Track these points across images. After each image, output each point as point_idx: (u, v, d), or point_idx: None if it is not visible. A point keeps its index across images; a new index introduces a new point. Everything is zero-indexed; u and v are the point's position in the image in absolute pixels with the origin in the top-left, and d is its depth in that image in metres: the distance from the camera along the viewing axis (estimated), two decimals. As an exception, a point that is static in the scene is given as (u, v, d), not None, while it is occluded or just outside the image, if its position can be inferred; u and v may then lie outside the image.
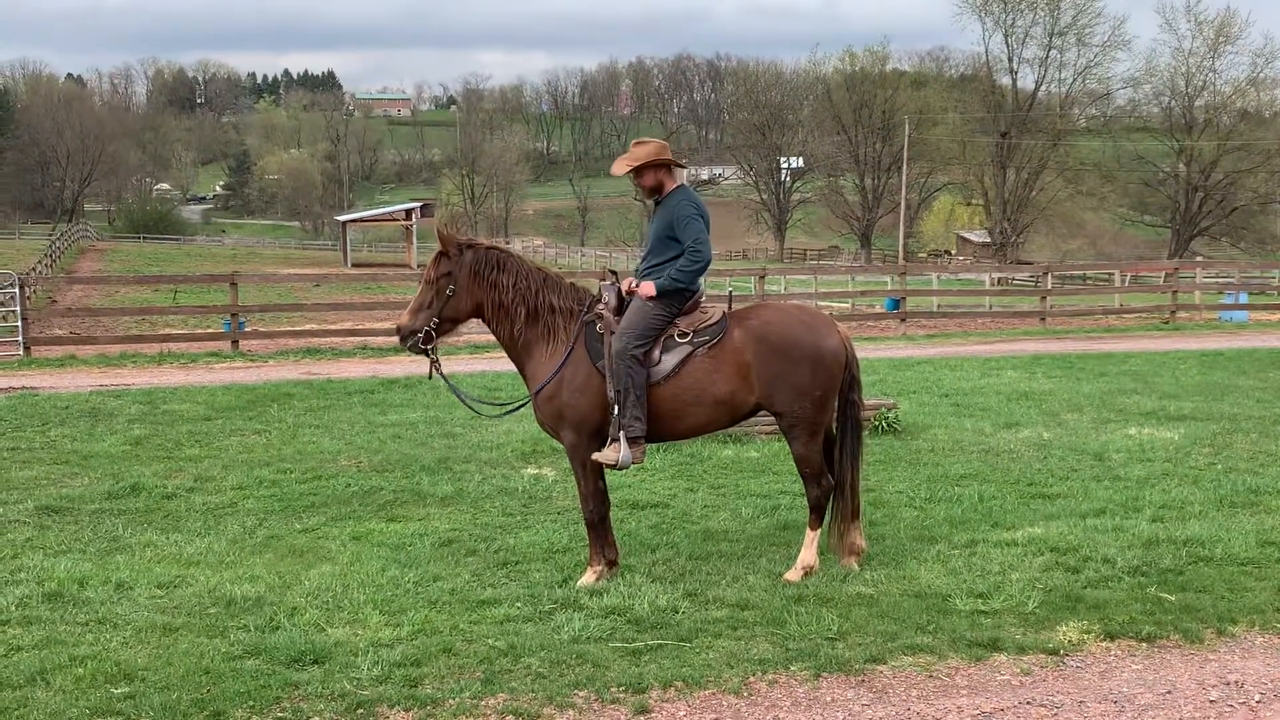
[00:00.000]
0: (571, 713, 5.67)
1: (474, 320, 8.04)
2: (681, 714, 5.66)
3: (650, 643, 6.50)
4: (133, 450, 12.59)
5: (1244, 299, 32.19)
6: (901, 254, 74.78)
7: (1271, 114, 78.41)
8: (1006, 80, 78.82)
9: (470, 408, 8.47)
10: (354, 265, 67.15)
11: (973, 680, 6.03)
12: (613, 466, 7.56)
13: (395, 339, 8.38)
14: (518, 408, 8.34)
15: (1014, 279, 46.24)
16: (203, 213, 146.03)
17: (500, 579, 7.81)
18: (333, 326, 27.31)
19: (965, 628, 6.69)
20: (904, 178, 74.23)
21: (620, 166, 7.89)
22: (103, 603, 7.28)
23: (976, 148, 76.95)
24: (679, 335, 7.62)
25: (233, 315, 23.85)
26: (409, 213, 71.76)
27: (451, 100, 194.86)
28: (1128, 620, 6.79)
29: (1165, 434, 13.04)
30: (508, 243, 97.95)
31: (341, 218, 78.97)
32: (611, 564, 7.76)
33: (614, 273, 8.01)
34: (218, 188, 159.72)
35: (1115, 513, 9.36)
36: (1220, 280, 36.44)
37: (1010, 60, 77.27)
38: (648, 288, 7.65)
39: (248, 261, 64.75)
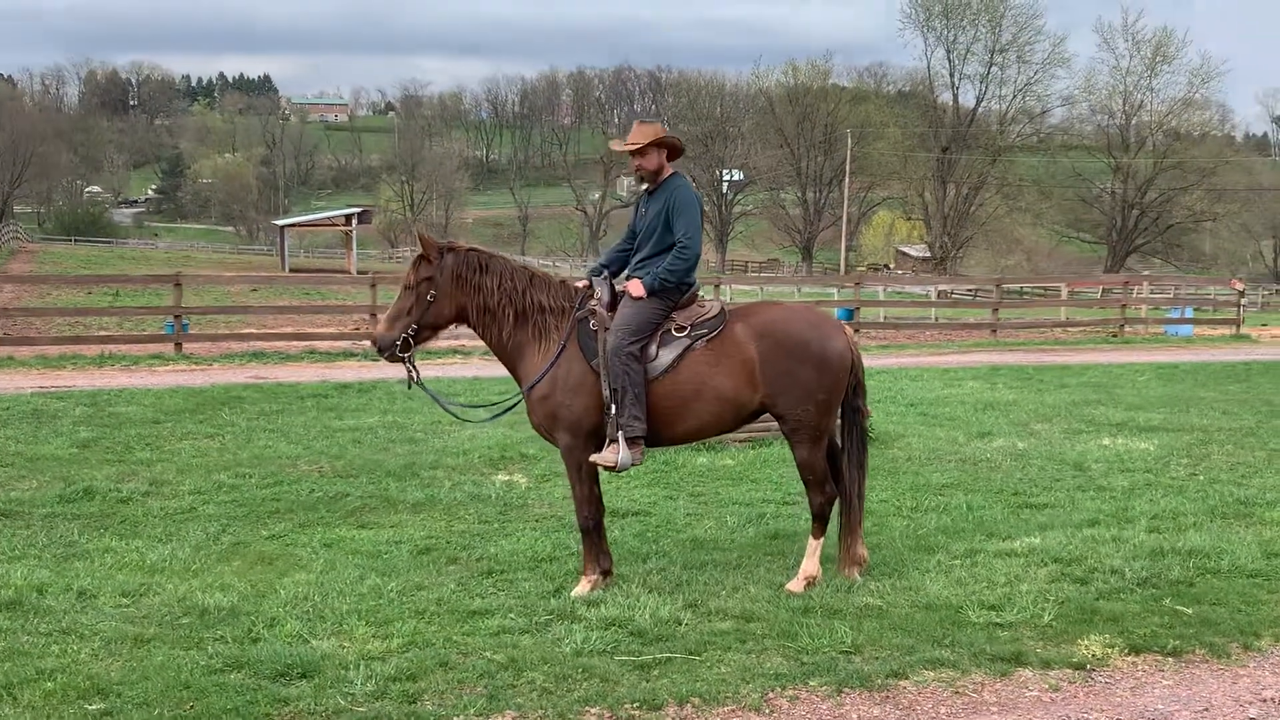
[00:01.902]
0: (585, 731, 5.32)
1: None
2: (702, 732, 5.33)
3: (659, 656, 6.15)
4: (81, 453, 12.06)
5: (1189, 314, 32.43)
6: (844, 267, 75.00)
7: (1202, 134, 79.47)
8: (948, 96, 79.43)
9: (455, 415, 8.05)
10: (291, 270, 66.16)
11: (1001, 697, 5.75)
12: (611, 469, 7.21)
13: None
14: (505, 411, 7.97)
15: (951, 292, 46.33)
16: (134, 216, 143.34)
17: (487, 588, 7.44)
18: (279, 330, 26.67)
19: (983, 641, 6.42)
20: (846, 191, 74.46)
21: (629, 140, 7.51)
22: (66, 612, 6.82)
23: (917, 163, 77.37)
24: (676, 329, 7.30)
25: (176, 317, 23.18)
26: (349, 218, 70.80)
27: (389, 106, 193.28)
28: (1150, 634, 6.55)
29: (1140, 445, 12.92)
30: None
31: (280, 222, 77.92)
32: (606, 573, 7.41)
33: (605, 266, 7.67)
34: (150, 191, 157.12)
35: (1109, 523, 9.16)
36: (1158, 296, 36.71)
37: (952, 76, 77.88)
38: (636, 287, 7.32)
39: (183, 265, 63.47)
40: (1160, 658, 6.29)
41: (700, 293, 7.66)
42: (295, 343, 24.13)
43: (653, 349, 7.24)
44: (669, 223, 7.37)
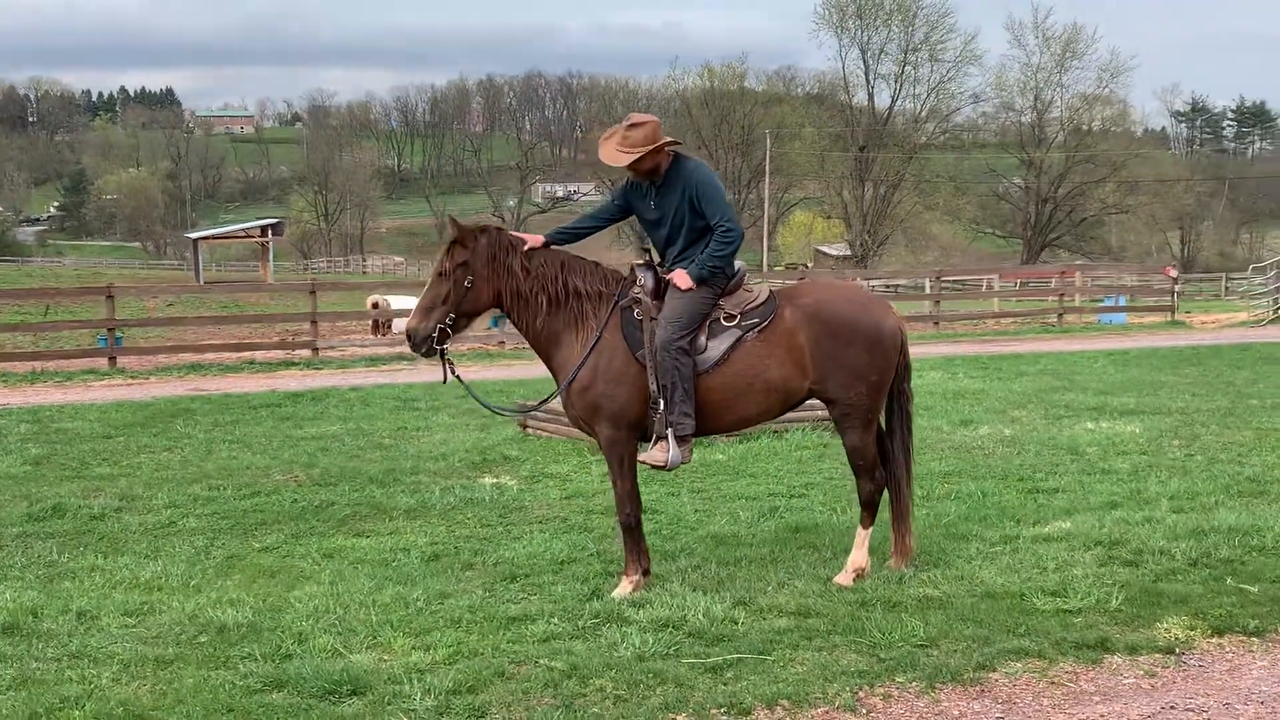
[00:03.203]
0: (677, 740, 4.93)
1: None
2: (801, 736, 4.96)
3: (727, 657, 5.77)
4: (35, 470, 11.44)
5: (1123, 302, 32.74)
6: (765, 266, 75.04)
7: (1104, 129, 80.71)
8: (863, 96, 79.92)
9: (496, 411, 7.54)
10: (206, 283, 64.63)
11: (1099, 685, 5.46)
12: (661, 468, 6.81)
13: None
14: (539, 405, 7.53)
15: (889, 286, 46.52)
16: (37, 234, 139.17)
17: (517, 594, 7.02)
18: (216, 341, 25.90)
19: (1058, 628, 6.13)
20: (766, 191, 74.61)
21: (620, 155, 6.90)
22: (70, 634, 6.30)
23: (835, 162, 77.75)
24: (725, 318, 6.90)
25: (110, 330, 22.32)
26: (264, 229, 69.43)
27: (296, 117, 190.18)
28: (1226, 614, 6.31)
29: (1126, 428, 12.79)
30: (364, 260, 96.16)
31: (193, 235, 76.17)
32: (645, 573, 7.01)
33: (648, 251, 7.24)
34: (52, 208, 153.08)
35: (1130, 505, 8.95)
36: (1095, 286, 37.05)
37: (867, 75, 78.33)
38: (682, 278, 6.88)
39: (91, 282, 61.72)
40: (1245, 638, 6.05)
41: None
42: (234, 354, 23.41)
43: (701, 339, 6.83)
44: (695, 209, 6.95)
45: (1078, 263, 42.38)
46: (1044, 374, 18.72)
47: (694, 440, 6.91)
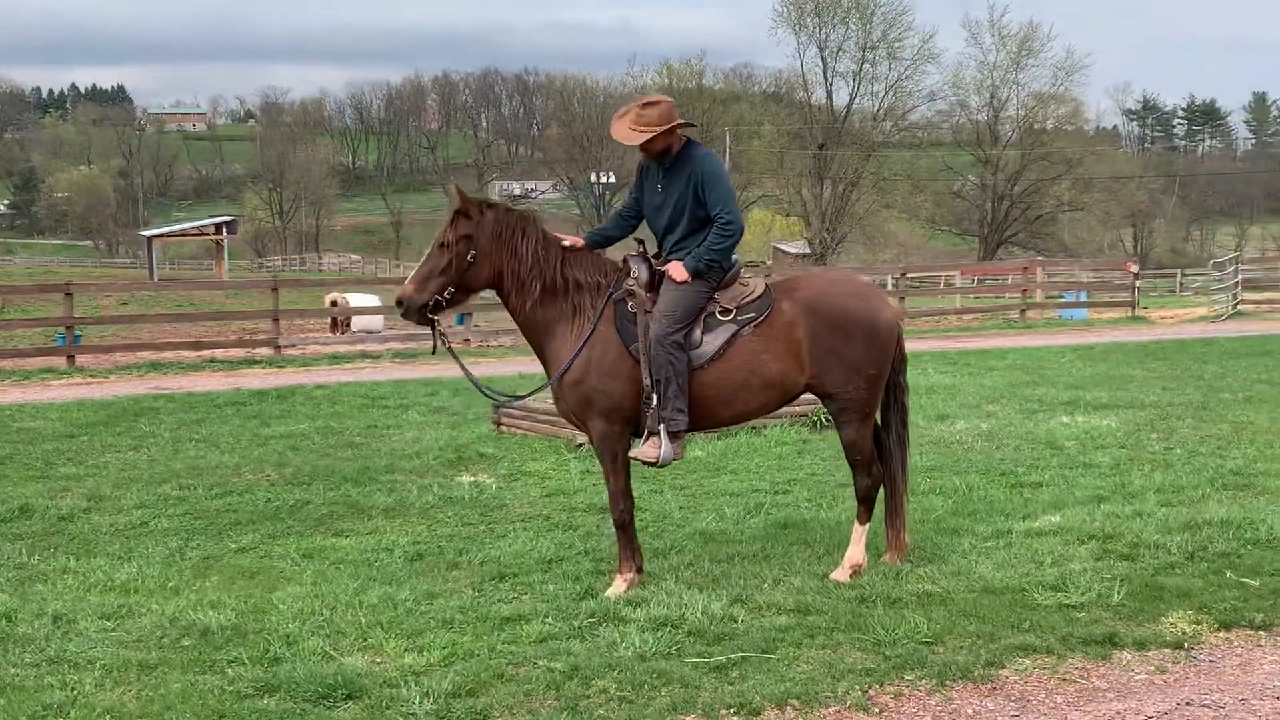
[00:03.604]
0: (689, 743, 4.79)
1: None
2: (815, 736, 4.84)
3: (731, 656, 5.64)
4: (-1, 470, 11.14)
5: (1083, 298, 32.91)
6: (724, 264, 74.82)
7: (1057, 128, 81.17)
8: (821, 93, 79.99)
9: (484, 392, 7.30)
10: (160, 281, 63.84)
11: (1111, 682, 5.36)
12: (653, 464, 6.66)
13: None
14: (532, 394, 7.37)
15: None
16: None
17: (507, 593, 6.86)
18: (176, 339, 25.52)
19: (1062, 624, 6.04)
20: (726, 188, 74.22)
21: (632, 134, 6.81)
22: (47, 639, 6.08)
23: (793, 160, 77.80)
24: (721, 312, 6.75)
25: (68, 328, 21.91)
26: (219, 227, 68.70)
27: (249, 114, 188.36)
28: (1230, 608, 6.24)
29: (1102, 422, 12.77)
30: (320, 258, 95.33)
31: (147, 233, 75.24)
32: (639, 570, 6.86)
33: (641, 242, 7.09)
34: (2, 206, 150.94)
35: (1117, 499, 8.90)
36: (1054, 281, 37.24)
37: (825, 74, 78.41)
38: (678, 270, 6.73)
39: (46, 280, 60.89)
40: (1252, 632, 5.98)
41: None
42: (194, 352, 23.05)
43: (697, 334, 6.67)
44: (699, 197, 6.80)
45: (1039, 259, 42.43)
46: (1013, 369, 18.74)
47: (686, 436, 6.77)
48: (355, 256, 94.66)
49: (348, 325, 29.64)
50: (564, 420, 11.68)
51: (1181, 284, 54.14)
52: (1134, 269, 32.77)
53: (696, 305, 6.69)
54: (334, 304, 30.77)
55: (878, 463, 7.08)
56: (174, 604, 6.70)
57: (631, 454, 6.73)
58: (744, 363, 6.68)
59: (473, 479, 10.45)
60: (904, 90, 77.62)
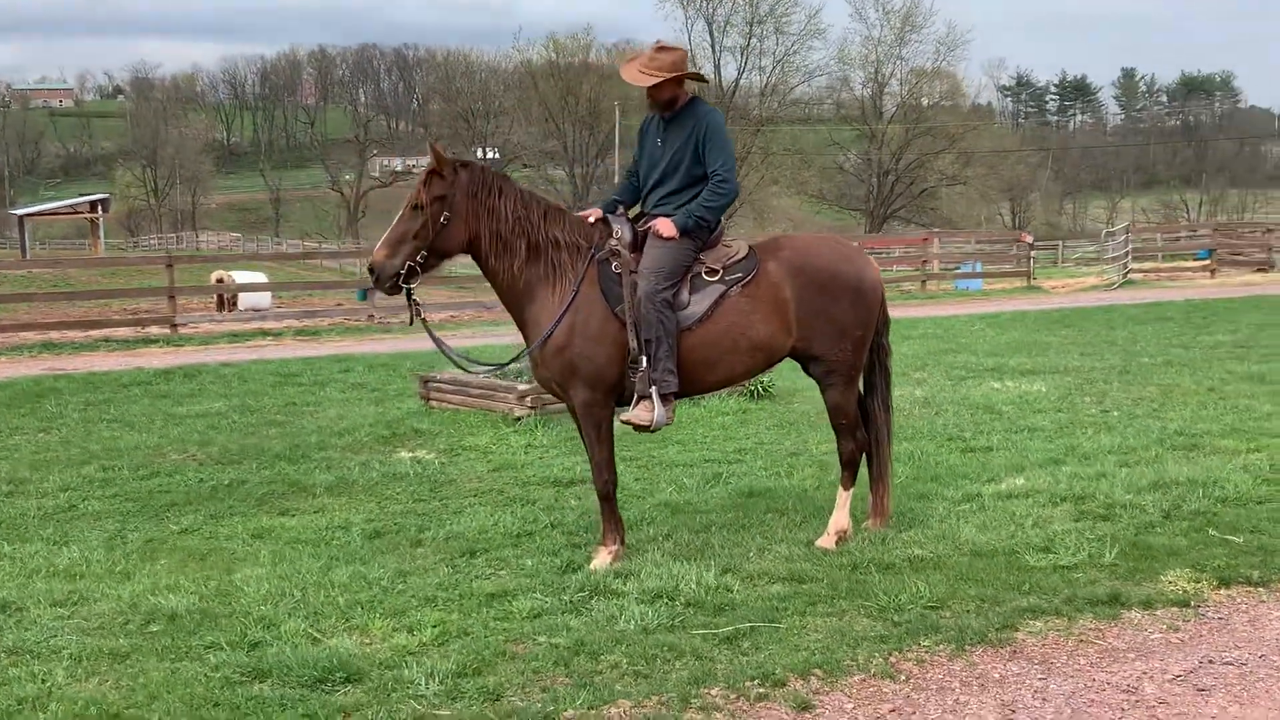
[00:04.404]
0: (719, 717, 4.57)
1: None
2: (848, 706, 4.66)
3: (739, 627, 5.45)
4: (-99, 455, 10.50)
5: (979, 268, 33.36)
6: (614, 240, 74.69)
7: (936, 103, 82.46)
8: (710, 68, 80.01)
9: (456, 363, 7.00)
10: (31, 259, 61.67)
11: (1128, 642, 5.28)
12: (645, 428, 6.42)
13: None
14: (510, 362, 7.08)
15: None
16: None
17: (483, 569, 6.59)
18: (67, 319, 24.54)
19: (1062, 585, 5.96)
20: (617, 165, 74.18)
21: (642, 76, 6.59)
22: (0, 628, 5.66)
23: (681, 134, 77.68)
24: (707, 273, 6.53)
25: (-49, 307, 20.91)
26: (93, 205, 66.59)
27: (118, 90, 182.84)
28: (1223, 566, 6.23)
29: (1032, 387, 12.85)
30: (197, 237, 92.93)
31: (18, 211, 72.69)
32: (622, 542, 6.63)
33: (620, 202, 6.83)
34: None
35: (1073, 461, 8.92)
36: (949, 251, 37.72)
37: (713, 49, 78.55)
38: (667, 226, 6.50)
39: (-90, 261, 58.33)
40: (1251, 589, 5.96)
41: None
42: (89, 331, 22.19)
43: (684, 295, 6.45)
44: (698, 153, 6.58)
45: (935, 230, 42.94)
46: (927, 338, 18.84)
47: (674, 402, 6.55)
48: (234, 234, 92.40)
49: (234, 303, 28.87)
50: (503, 394, 11.53)
51: (1063, 255, 55.30)
52: (1029, 239, 33.31)
53: (683, 263, 6.47)
54: (220, 281, 29.95)
55: (862, 427, 6.94)
56: (128, 589, 6.31)
57: (624, 418, 6.48)
58: (732, 324, 6.48)
59: (412, 455, 10.11)
60: (791, 66, 78.14)
